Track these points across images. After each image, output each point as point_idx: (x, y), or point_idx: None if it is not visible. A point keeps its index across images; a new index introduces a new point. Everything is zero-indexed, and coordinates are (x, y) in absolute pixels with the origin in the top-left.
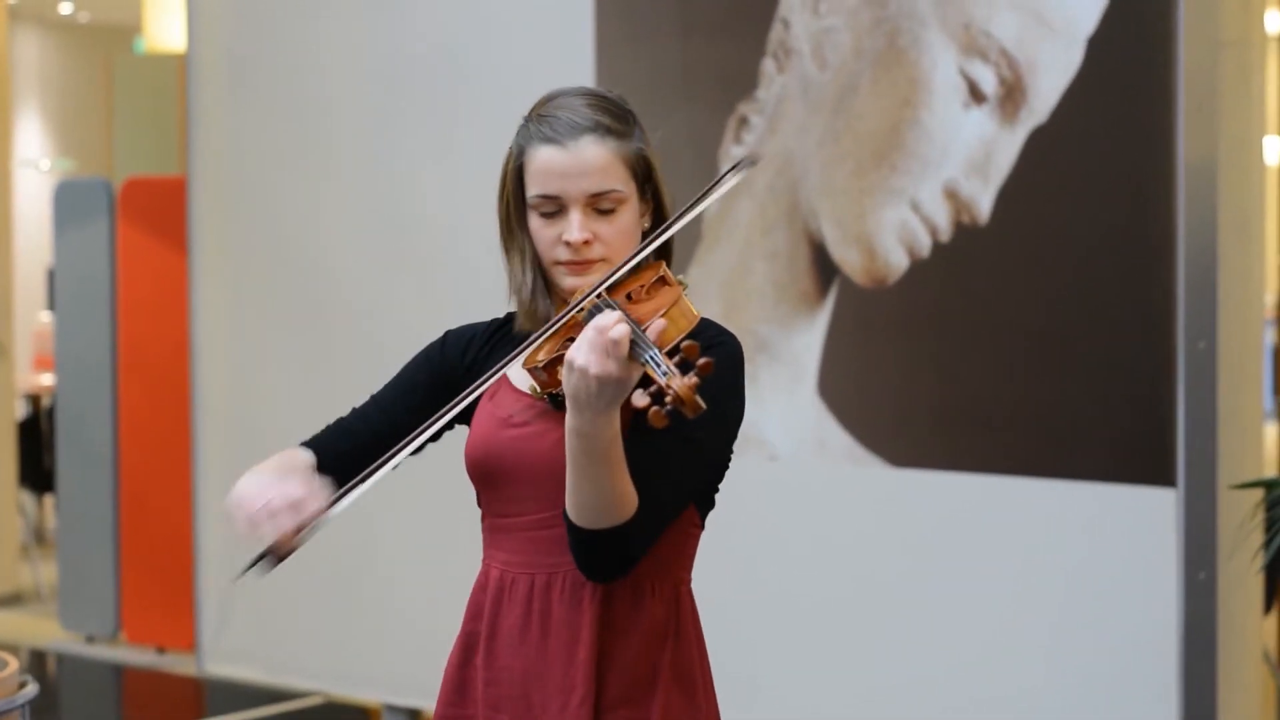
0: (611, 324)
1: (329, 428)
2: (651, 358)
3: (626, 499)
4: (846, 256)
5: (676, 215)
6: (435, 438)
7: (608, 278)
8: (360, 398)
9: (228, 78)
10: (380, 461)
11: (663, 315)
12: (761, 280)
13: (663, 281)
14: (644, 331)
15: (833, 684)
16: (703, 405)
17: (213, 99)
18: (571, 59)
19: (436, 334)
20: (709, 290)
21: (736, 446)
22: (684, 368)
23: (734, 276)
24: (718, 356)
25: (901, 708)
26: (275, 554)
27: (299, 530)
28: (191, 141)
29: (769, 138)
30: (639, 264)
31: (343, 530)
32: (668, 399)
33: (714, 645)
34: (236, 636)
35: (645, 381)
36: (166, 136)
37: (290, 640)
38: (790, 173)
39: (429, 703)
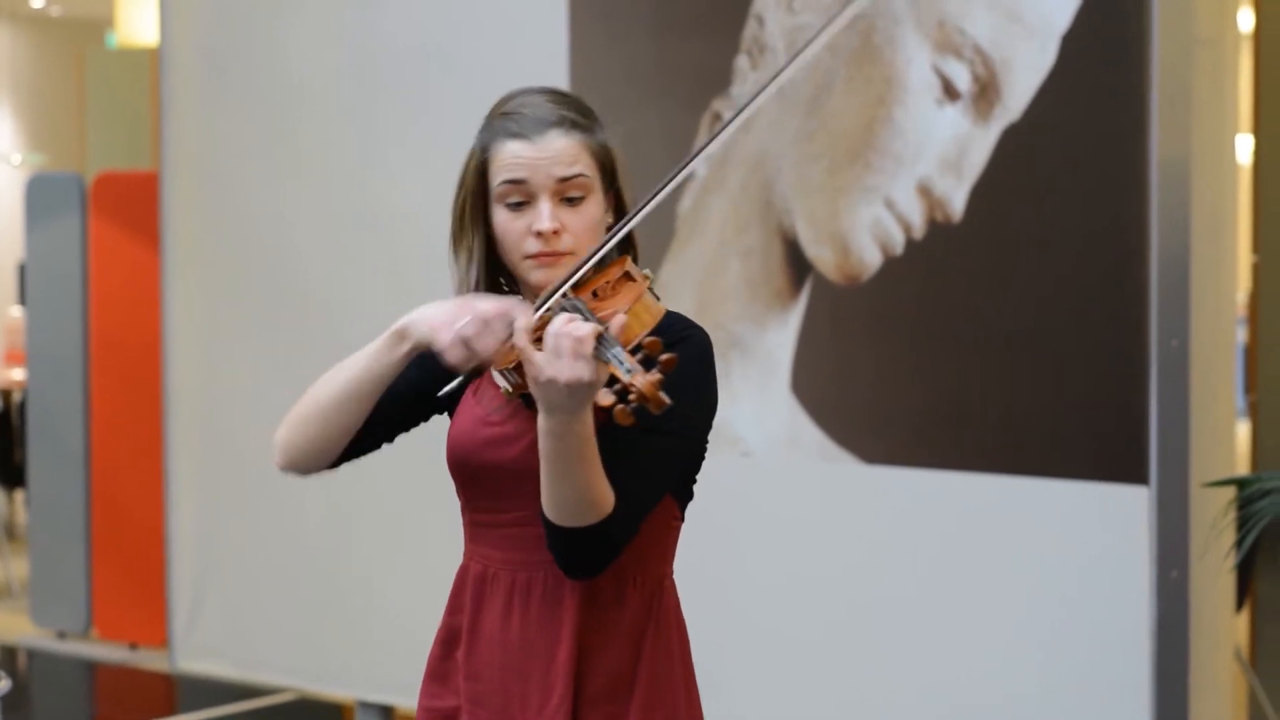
0: (574, 328)
1: None
2: (614, 355)
3: (604, 496)
4: (820, 254)
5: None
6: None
7: (574, 271)
8: None
9: (200, 72)
10: (561, 282)
11: (625, 311)
12: (735, 277)
13: (627, 277)
14: (607, 329)
15: (804, 681)
16: (667, 401)
17: (185, 94)
18: (546, 55)
19: None
20: (683, 287)
21: (709, 442)
22: (647, 364)
23: (708, 273)
24: (685, 349)
25: (872, 704)
26: (492, 365)
27: (511, 337)
28: (164, 136)
29: (743, 135)
30: (603, 260)
31: (316, 526)
32: (631, 396)
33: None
34: (209, 632)
35: (610, 380)
36: (139, 131)
37: (263, 636)
38: (764, 170)
39: (402, 699)
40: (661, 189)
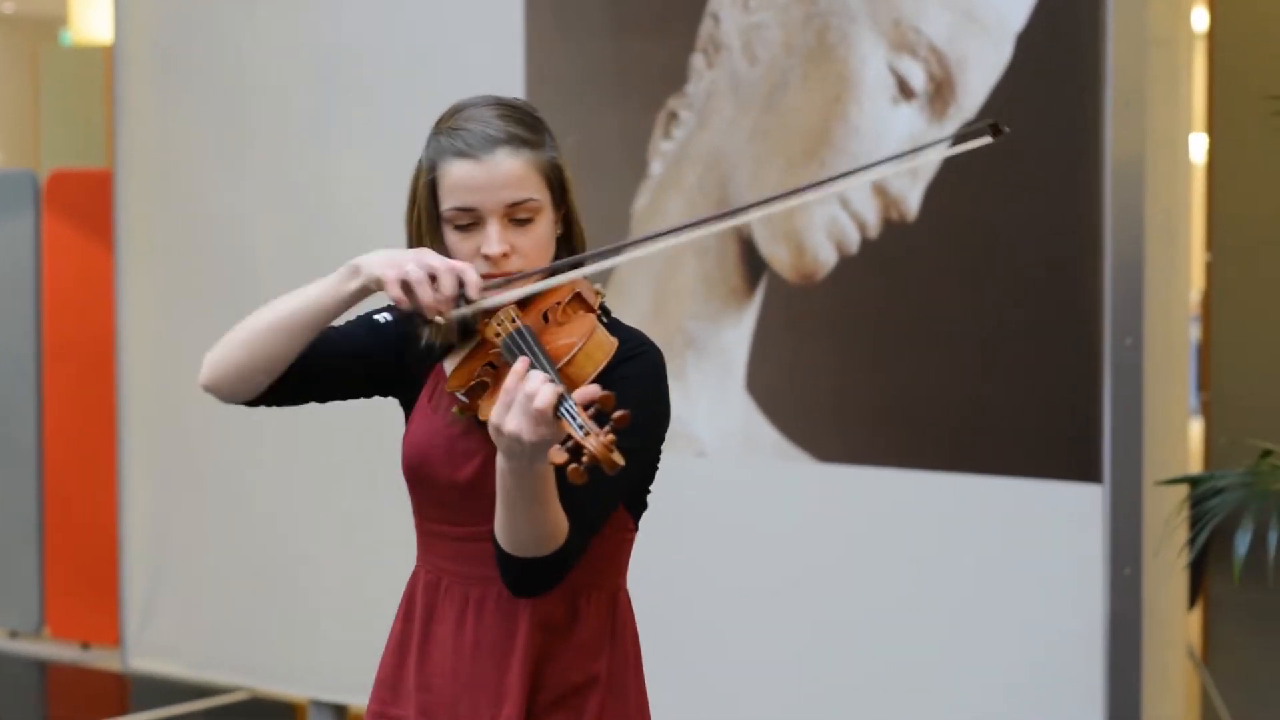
0: (536, 391)
1: None
2: (567, 410)
3: (560, 528)
4: (775, 253)
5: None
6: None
7: (520, 279)
8: None
9: (155, 70)
10: (535, 273)
11: (578, 352)
12: (690, 276)
13: (579, 300)
14: (558, 374)
15: (760, 680)
16: (620, 463)
17: (140, 91)
18: (502, 54)
19: None
20: (638, 285)
21: (664, 443)
22: (600, 419)
23: (663, 272)
24: (636, 367)
25: (828, 702)
26: (435, 316)
27: (459, 299)
28: (118, 134)
29: (698, 133)
30: (556, 275)
31: (269, 525)
32: (584, 457)
33: (643, 643)
34: (161, 632)
35: (563, 435)
36: (93, 129)
37: (215, 635)
38: (720, 168)
39: (355, 699)
40: (598, 254)
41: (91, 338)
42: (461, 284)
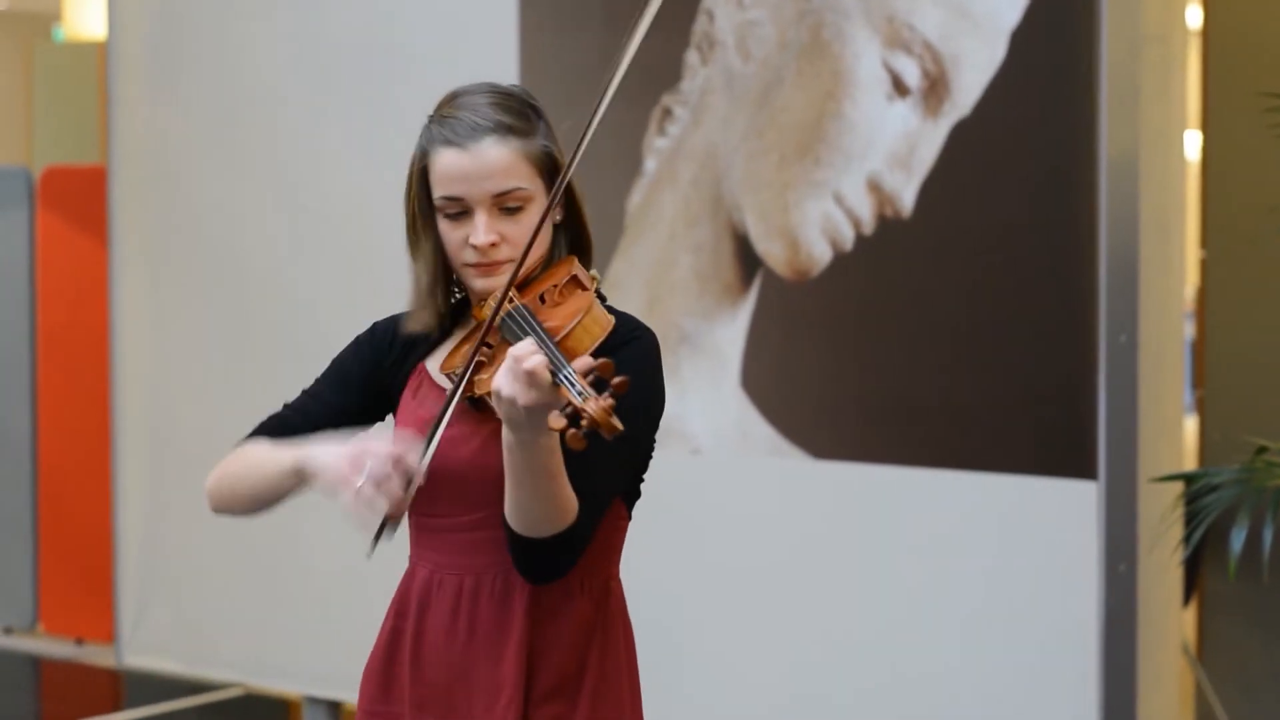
0: (527, 354)
1: (267, 422)
2: (566, 378)
3: (569, 505)
4: (770, 249)
5: (576, 145)
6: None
7: (513, 276)
8: (281, 388)
9: (148, 66)
10: (440, 413)
11: (576, 325)
12: (685, 273)
13: (575, 282)
14: (557, 346)
15: (754, 675)
16: (619, 427)
17: (133, 87)
18: (496, 49)
19: (358, 325)
20: (633, 283)
21: (658, 439)
22: (599, 386)
23: (658, 269)
24: (633, 350)
25: (822, 700)
26: (396, 519)
27: (408, 487)
28: (112, 130)
29: (692, 130)
30: (550, 259)
31: (263, 521)
32: (583, 421)
33: (636, 639)
34: (156, 628)
35: (562, 401)
36: (86, 125)
37: (210, 631)
38: (714, 165)
39: (349, 694)
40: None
41: (86, 333)
42: (408, 473)
